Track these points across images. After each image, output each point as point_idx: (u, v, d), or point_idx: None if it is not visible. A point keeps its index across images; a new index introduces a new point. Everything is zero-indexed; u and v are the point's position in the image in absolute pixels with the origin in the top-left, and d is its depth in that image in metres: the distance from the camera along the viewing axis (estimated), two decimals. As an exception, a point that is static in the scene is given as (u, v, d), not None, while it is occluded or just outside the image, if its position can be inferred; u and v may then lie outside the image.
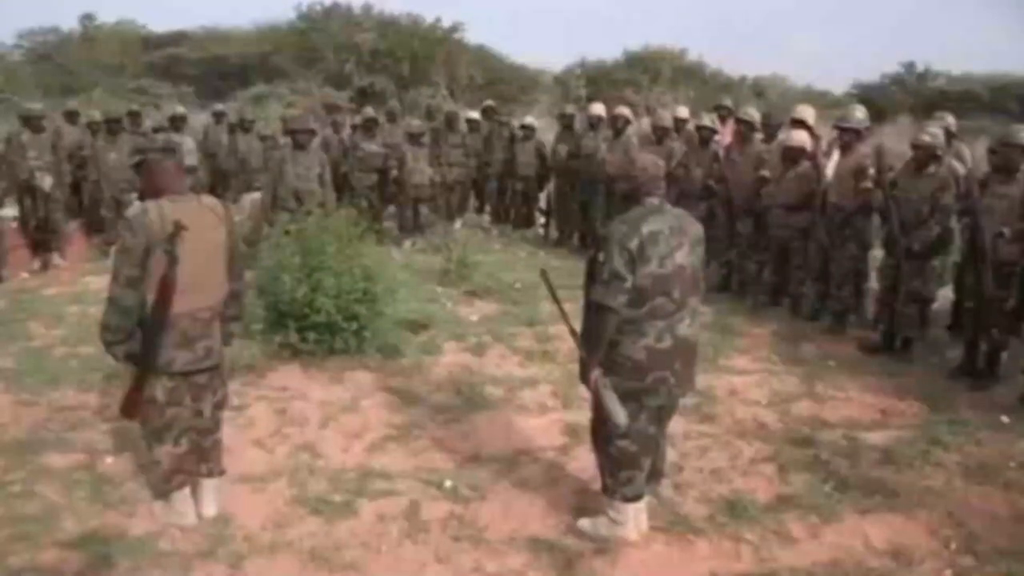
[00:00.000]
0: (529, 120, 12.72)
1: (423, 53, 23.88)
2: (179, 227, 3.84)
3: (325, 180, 8.80)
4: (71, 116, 11.88)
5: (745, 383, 6.33)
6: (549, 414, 5.79)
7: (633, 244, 3.79)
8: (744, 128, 8.71)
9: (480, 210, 13.05)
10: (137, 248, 3.88)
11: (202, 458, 4.39)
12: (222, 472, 4.50)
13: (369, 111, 11.66)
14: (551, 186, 11.79)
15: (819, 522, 4.39)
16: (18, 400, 5.97)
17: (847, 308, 7.62)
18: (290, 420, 5.66)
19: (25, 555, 4.12)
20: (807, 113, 8.31)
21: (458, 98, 22.77)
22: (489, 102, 13.87)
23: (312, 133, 9.05)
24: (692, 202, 8.83)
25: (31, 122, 9.92)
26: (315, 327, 6.32)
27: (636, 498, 4.18)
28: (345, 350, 6.50)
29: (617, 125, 10.35)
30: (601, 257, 3.85)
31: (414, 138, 11.37)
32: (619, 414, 3.91)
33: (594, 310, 3.92)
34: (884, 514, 4.48)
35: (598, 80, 27.08)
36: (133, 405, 4.11)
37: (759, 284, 8.50)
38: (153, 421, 4.18)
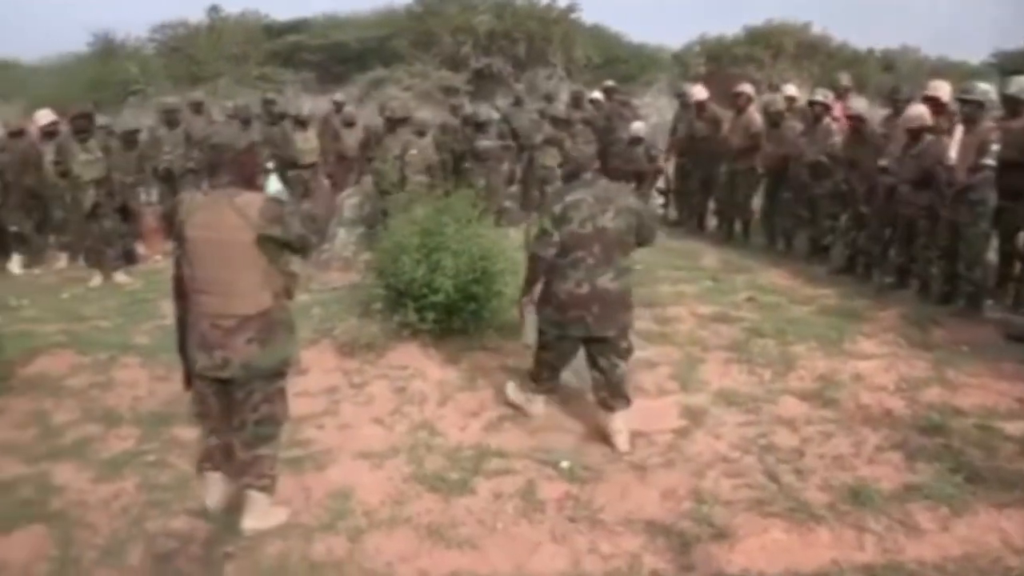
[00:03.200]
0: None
1: (540, 34, 23.76)
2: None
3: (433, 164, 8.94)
4: (197, 106, 12.26)
5: (871, 368, 6.12)
6: (667, 396, 5.74)
7: (557, 208, 4.90)
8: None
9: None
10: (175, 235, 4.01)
11: (241, 471, 4.20)
12: (264, 488, 4.19)
13: (480, 114, 11.49)
14: (671, 165, 11.60)
15: (949, 514, 4.19)
16: (153, 375, 6.26)
17: (981, 289, 7.27)
18: (409, 398, 5.76)
19: (159, 521, 4.34)
20: (942, 90, 7.92)
21: (575, 78, 22.61)
22: (610, 82, 13.72)
23: (403, 121, 9.08)
24: (809, 182, 8.65)
25: (167, 116, 10.27)
26: (433, 307, 6.38)
27: (548, 392, 5.45)
28: (463, 330, 6.56)
29: (739, 102, 10.12)
30: (539, 218, 5.09)
31: (558, 122, 11.38)
32: (529, 335, 5.36)
33: (529, 257, 5.11)
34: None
35: (718, 57, 26.50)
36: (186, 381, 4.22)
37: (885, 265, 8.20)
38: (193, 404, 4.28)
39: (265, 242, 3.88)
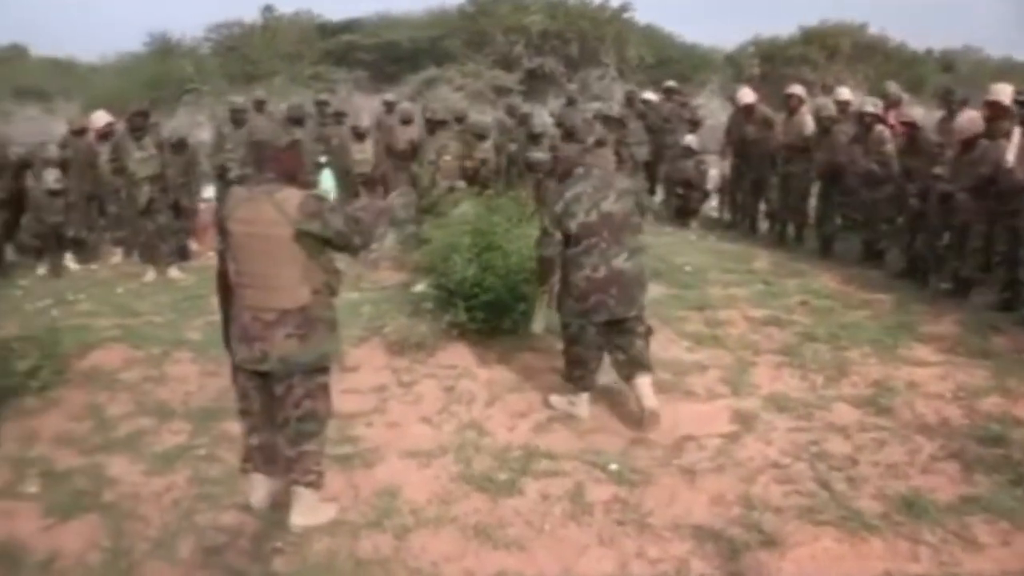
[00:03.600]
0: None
1: (592, 34, 23.66)
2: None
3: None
4: (259, 105, 12.35)
5: (926, 375, 5.98)
6: (717, 400, 5.67)
7: (559, 207, 5.14)
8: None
9: (651, 191, 12.78)
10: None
11: (287, 468, 4.20)
12: (310, 484, 4.19)
13: (535, 125, 11.37)
14: (726, 167, 11.48)
15: (1010, 528, 4.06)
16: (203, 370, 6.34)
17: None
18: (457, 398, 5.76)
19: (209, 515, 4.38)
20: (1003, 92, 7.68)
21: (628, 79, 22.50)
22: (670, 83, 13.59)
23: (443, 124, 9.04)
24: (866, 188, 8.52)
25: (235, 115, 10.35)
26: (483, 306, 6.38)
27: (587, 389, 5.45)
28: (512, 330, 6.54)
29: (790, 104, 9.99)
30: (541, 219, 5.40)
31: (610, 122, 11.33)
32: (538, 324, 5.79)
33: (537, 259, 5.42)
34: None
35: (772, 58, 26.18)
36: (234, 375, 4.25)
37: (943, 271, 8.03)
38: (236, 400, 4.30)
39: (304, 237, 3.90)
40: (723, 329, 6.95)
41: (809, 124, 9.66)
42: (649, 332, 5.47)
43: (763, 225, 10.94)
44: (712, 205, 12.04)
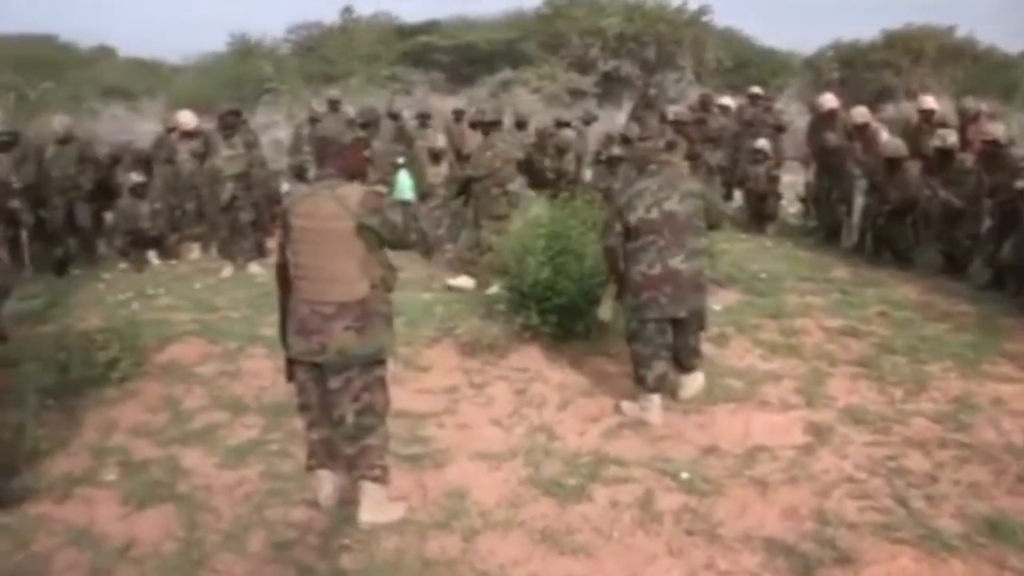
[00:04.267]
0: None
1: (669, 37, 23.47)
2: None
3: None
4: (333, 104, 12.46)
5: (1012, 392, 5.77)
6: (791, 411, 5.56)
7: (622, 199, 5.34)
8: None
9: (729, 197, 12.56)
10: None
11: (350, 464, 4.25)
12: (376, 479, 4.22)
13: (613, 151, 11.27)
14: (810, 174, 11.26)
15: (1106, 556, 3.88)
16: (278, 366, 6.31)
17: None
18: (528, 401, 5.75)
19: (279, 510, 4.43)
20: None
21: (705, 83, 22.26)
22: (756, 89, 13.38)
23: (495, 124, 8.98)
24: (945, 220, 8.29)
25: (315, 122, 10.45)
26: (556, 310, 6.37)
27: (652, 390, 5.41)
28: (585, 334, 6.51)
29: (865, 134, 9.75)
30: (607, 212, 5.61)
31: (680, 126, 11.25)
32: (604, 311, 5.70)
33: (603, 249, 5.56)
34: None
35: (852, 62, 25.63)
36: (288, 371, 4.31)
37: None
38: (296, 395, 4.34)
39: (364, 231, 3.94)
40: (798, 338, 6.82)
41: (882, 136, 9.43)
42: (702, 328, 5.70)
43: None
44: (791, 211, 11.82)
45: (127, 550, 4.13)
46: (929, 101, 10.27)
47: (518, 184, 10.09)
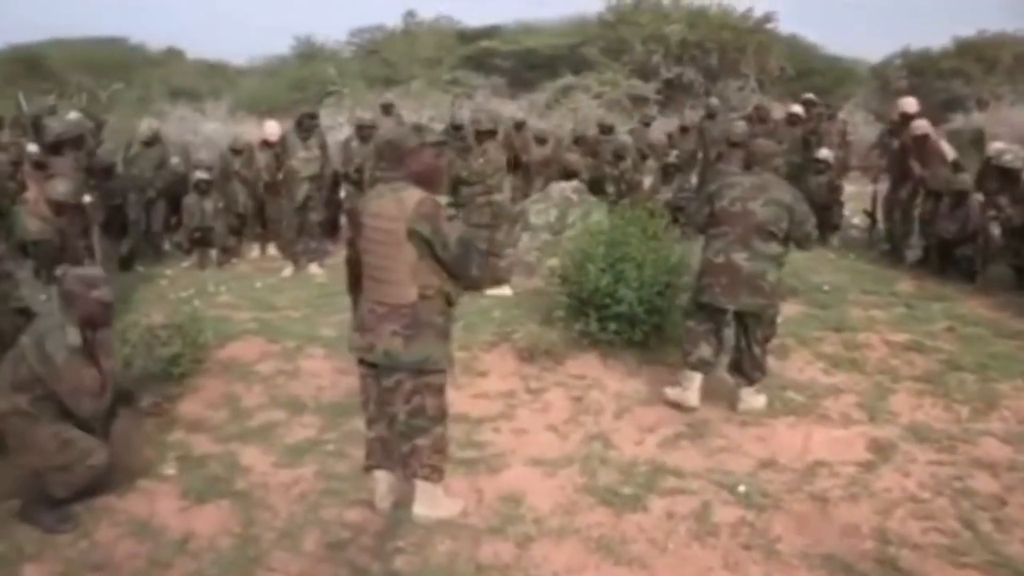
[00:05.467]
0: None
1: (733, 44, 23.22)
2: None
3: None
4: (387, 108, 12.50)
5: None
6: (853, 427, 5.46)
7: (714, 187, 5.74)
8: None
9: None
10: None
11: (403, 462, 4.29)
12: (427, 478, 4.24)
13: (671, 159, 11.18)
14: (877, 184, 11.03)
15: None
16: (336, 367, 6.46)
17: None
18: (585, 408, 5.72)
19: (334, 510, 4.46)
20: None
21: (768, 91, 22.00)
22: (809, 95, 13.19)
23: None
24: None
25: (361, 131, 10.48)
26: (615, 317, 6.32)
27: (693, 368, 5.64)
28: (644, 343, 6.45)
29: (927, 145, 9.52)
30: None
31: (732, 145, 11.14)
32: None
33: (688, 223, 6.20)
34: None
35: (922, 71, 25.11)
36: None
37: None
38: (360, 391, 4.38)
39: (414, 236, 3.93)
40: (861, 352, 6.68)
41: (949, 152, 9.24)
42: (768, 338, 5.77)
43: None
44: (854, 222, 11.60)
45: (185, 543, 4.20)
46: None
47: (508, 190, 10.07)
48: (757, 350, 5.64)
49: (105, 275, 4.73)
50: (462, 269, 4.05)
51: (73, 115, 10.59)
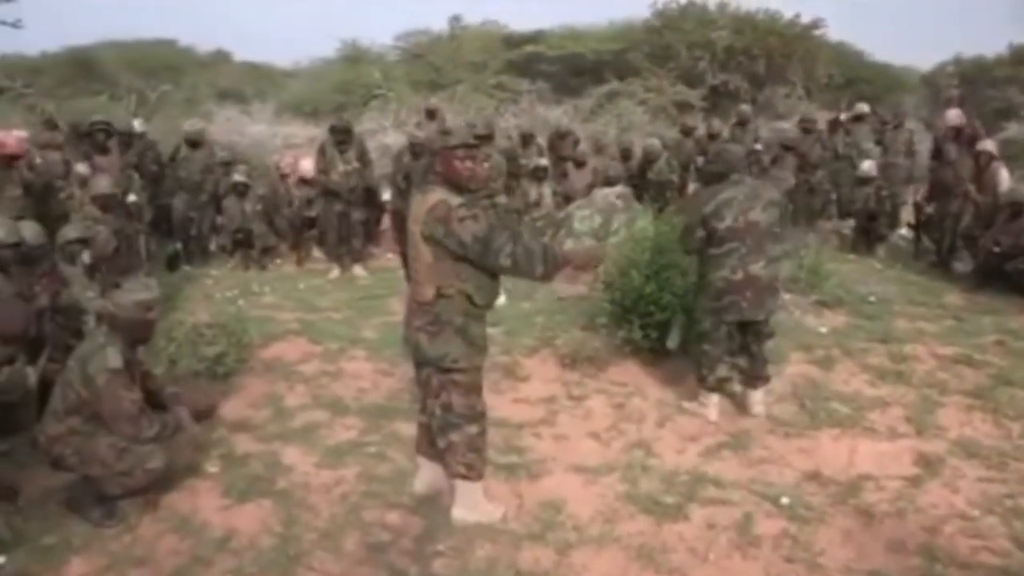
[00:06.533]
0: None
1: (780, 51, 22.96)
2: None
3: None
4: (431, 114, 12.52)
5: None
6: (900, 440, 5.37)
7: (710, 208, 5.43)
8: None
9: (841, 216, 12.14)
10: None
11: (440, 458, 4.37)
12: (464, 476, 4.26)
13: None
14: (920, 196, 10.87)
15: None
16: (377, 368, 6.49)
17: None
18: (627, 416, 5.69)
19: (375, 512, 4.47)
20: None
21: (815, 98, 21.75)
22: (863, 106, 12.99)
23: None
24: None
25: (414, 147, 10.45)
26: (659, 325, 6.30)
27: (712, 390, 5.68)
28: (686, 351, 6.39)
29: (980, 162, 9.40)
30: (687, 216, 5.71)
31: (786, 149, 11.06)
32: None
33: (684, 250, 5.84)
34: None
35: (975, 79, 24.62)
36: None
37: None
38: None
39: (429, 239, 3.99)
40: (908, 365, 6.58)
41: (1003, 179, 9.07)
42: (771, 335, 5.87)
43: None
44: (901, 232, 11.42)
45: (226, 541, 4.23)
46: None
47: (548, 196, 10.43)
48: (766, 349, 5.80)
49: (151, 281, 4.80)
50: (490, 264, 4.03)
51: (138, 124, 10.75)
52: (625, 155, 12.45)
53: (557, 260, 4.16)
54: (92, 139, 9.24)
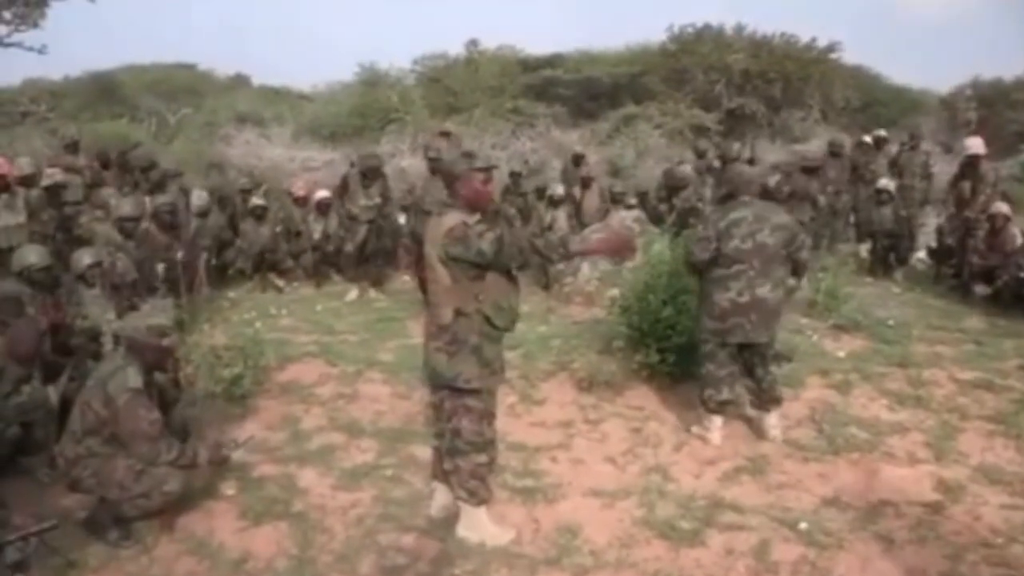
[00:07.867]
0: None
1: (796, 74, 22.96)
2: None
3: None
4: (446, 135, 12.57)
5: None
6: (920, 466, 5.32)
7: (722, 224, 5.41)
8: None
9: (859, 239, 12.07)
10: None
11: (447, 479, 4.45)
12: (465, 501, 4.33)
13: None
14: (941, 219, 10.81)
15: None
16: (394, 392, 6.49)
17: None
18: (643, 440, 5.67)
19: (391, 535, 4.47)
20: None
21: (831, 122, 21.71)
22: (881, 132, 12.96)
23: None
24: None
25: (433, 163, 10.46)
26: (675, 349, 6.29)
27: (717, 411, 5.63)
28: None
29: (995, 224, 9.31)
30: (700, 229, 5.66)
31: (810, 171, 11.05)
32: None
33: (690, 261, 5.66)
34: None
35: (993, 102, 24.51)
36: None
37: None
38: None
39: (449, 261, 4.03)
40: (927, 389, 6.52)
41: (1016, 239, 9.04)
42: (786, 359, 6.06)
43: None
44: (920, 256, 11.35)
45: (243, 563, 4.24)
46: None
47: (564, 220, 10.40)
48: (773, 370, 5.75)
49: (167, 303, 4.84)
50: (507, 264, 4.09)
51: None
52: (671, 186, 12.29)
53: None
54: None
